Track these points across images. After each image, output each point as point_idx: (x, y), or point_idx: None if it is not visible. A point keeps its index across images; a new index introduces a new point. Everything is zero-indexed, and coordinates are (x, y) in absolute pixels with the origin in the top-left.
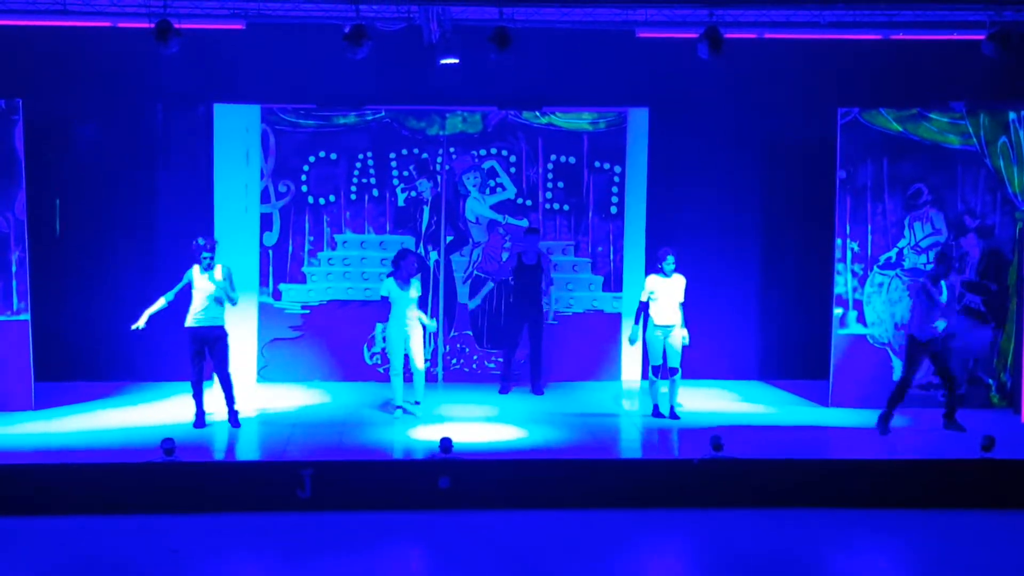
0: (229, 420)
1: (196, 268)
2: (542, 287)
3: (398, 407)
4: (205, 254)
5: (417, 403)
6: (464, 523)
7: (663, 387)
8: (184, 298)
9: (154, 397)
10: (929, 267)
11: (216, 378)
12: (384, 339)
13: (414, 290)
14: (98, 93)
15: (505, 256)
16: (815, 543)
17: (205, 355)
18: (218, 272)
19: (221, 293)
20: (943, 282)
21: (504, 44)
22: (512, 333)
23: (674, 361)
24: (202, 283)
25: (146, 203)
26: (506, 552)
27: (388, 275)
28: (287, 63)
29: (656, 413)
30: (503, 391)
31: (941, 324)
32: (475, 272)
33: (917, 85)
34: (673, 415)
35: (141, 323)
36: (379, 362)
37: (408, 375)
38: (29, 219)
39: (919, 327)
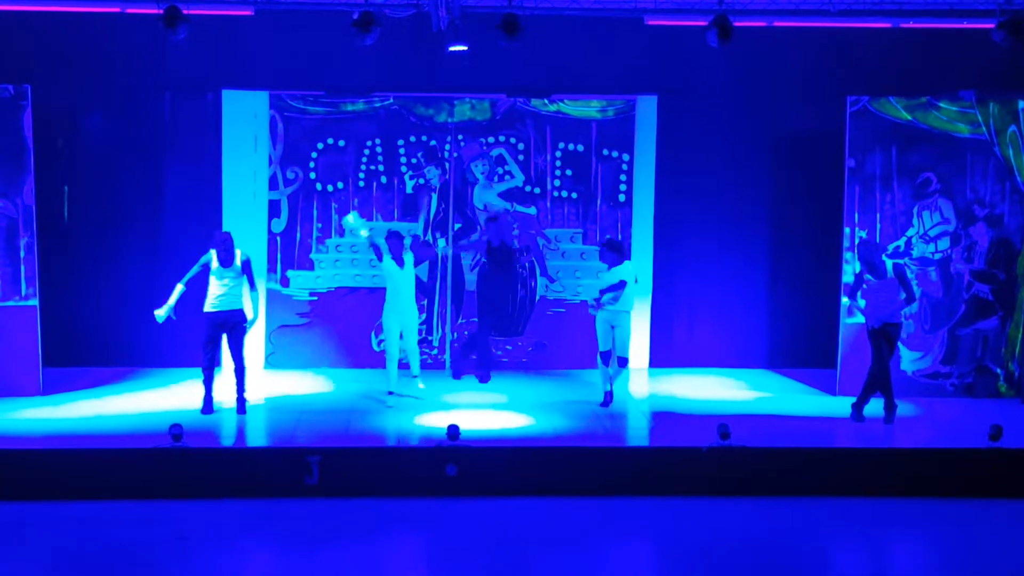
0: (236, 407)
1: (214, 255)
2: (515, 271)
3: (391, 393)
4: (226, 247)
5: (415, 376)
6: (471, 510)
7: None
8: (198, 283)
9: (162, 383)
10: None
11: (228, 363)
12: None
13: (408, 266)
14: (106, 79)
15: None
16: (822, 531)
17: (219, 341)
18: (237, 261)
19: (239, 284)
20: (887, 262)
21: (513, 31)
22: (517, 321)
23: (624, 351)
24: (218, 270)
25: (154, 189)
26: (513, 539)
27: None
28: (296, 50)
29: (606, 402)
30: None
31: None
32: (482, 259)
33: (927, 73)
34: (608, 399)
35: (163, 313)
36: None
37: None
38: (37, 205)
39: (870, 313)
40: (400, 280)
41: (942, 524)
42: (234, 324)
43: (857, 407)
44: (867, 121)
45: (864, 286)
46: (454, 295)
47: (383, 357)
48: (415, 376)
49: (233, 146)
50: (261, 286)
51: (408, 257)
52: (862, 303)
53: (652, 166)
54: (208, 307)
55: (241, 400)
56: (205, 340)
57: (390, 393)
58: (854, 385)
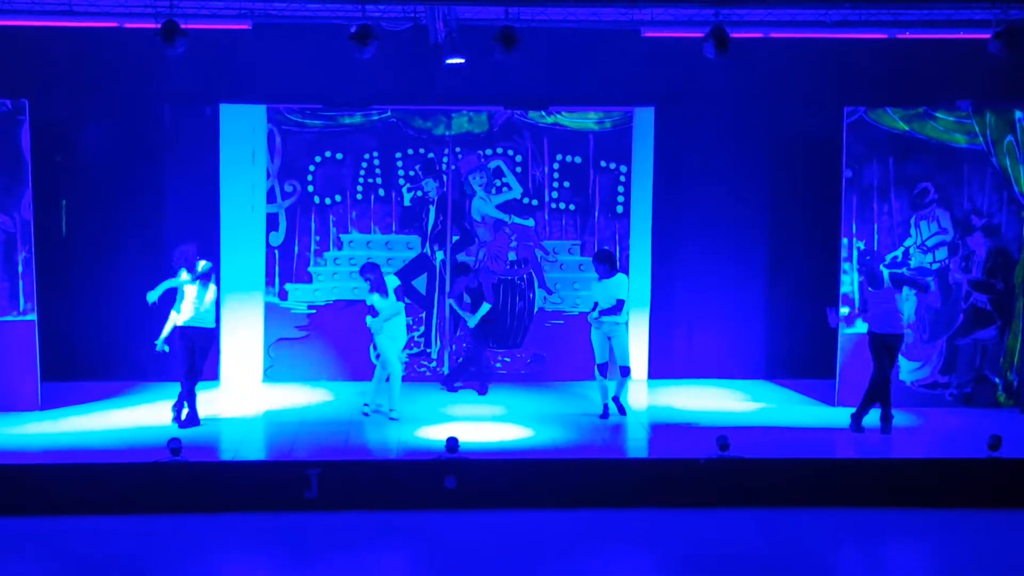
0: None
1: (184, 273)
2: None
3: (392, 409)
4: (187, 259)
5: (376, 406)
6: (470, 523)
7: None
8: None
9: (160, 397)
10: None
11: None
12: (377, 347)
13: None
14: (104, 93)
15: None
16: (821, 542)
17: (194, 354)
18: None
19: (210, 283)
20: (884, 272)
21: (510, 44)
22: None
23: (624, 360)
24: (191, 288)
25: (152, 203)
26: (512, 551)
27: (371, 290)
28: (293, 63)
29: (605, 414)
30: (483, 392)
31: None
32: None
33: (923, 84)
34: (621, 411)
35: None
36: None
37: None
38: (35, 219)
39: (871, 321)
40: (392, 310)
41: (942, 534)
42: (203, 340)
43: (856, 418)
44: (864, 131)
45: (864, 297)
46: (452, 308)
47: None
48: (365, 404)
49: (231, 159)
50: (258, 299)
51: (390, 282)
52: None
53: (650, 177)
54: (179, 320)
55: (186, 407)
56: (181, 354)
57: (391, 413)
58: (853, 396)
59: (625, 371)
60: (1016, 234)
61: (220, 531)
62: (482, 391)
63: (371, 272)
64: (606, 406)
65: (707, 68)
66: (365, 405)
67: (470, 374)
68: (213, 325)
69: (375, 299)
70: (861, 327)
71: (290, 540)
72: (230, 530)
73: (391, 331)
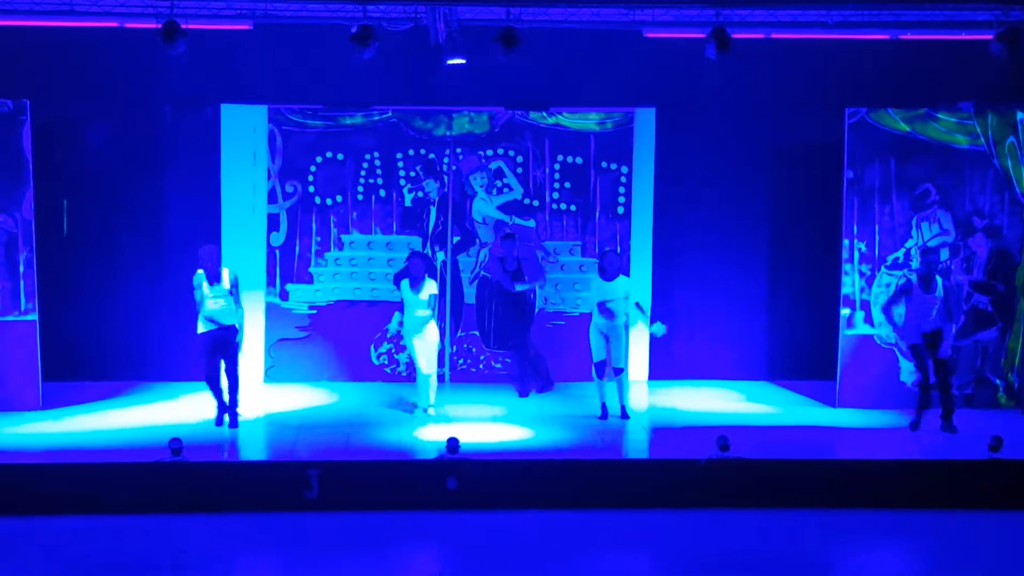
0: (229, 421)
1: (205, 285)
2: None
3: (413, 404)
4: (213, 263)
5: (429, 409)
6: (471, 523)
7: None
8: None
9: (161, 397)
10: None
11: (225, 377)
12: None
13: (424, 292)
14: (105, 93)
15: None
16: (822, 544)
17: (217, 358)
18: (225, 279)
19: (230, 300)
20: (938, 279)
21: (511, 44)
22: (515, 335)
23: (619, 362)
24: (209, 291)
25: (153, 203)
26: (513, 552)
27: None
28: (294, 63)
29: (604, 415)
30: (522, 394)
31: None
32: (482, 272)
33: (925, 85)
34: (624, 415)
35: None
36: (386, 362)
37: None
38: (37, 219)
39: (905, 332)
40: (411, 303)
41: (942, 536)
42: (228, 341)
43: (945, 422)
44: (866, 132)
45: (905, 297)
46: (453, 308)
47: (382, 370)
48: (429, 405)
49: (232, 160)
50: (260, 300)
51: (428, 281)
52: (900, 312)
53: (651, 178)
54: (202, 328)
55: (234, 415)
56: (204, 356)
57: (422, 409)
58: (854, 397)
59: (618, 372)
60: (1018, 235)
61: (221, 531)
62: (523, 393)
63: (413, 260)
64: (603, 406)
65: (709, 69)
66: (424, 410)
67: (533, 380)
68: (234, 322)
69: (403, 286)
70: (862, 328)
71: (290, 540)
72: (231, 530)
73: (406, 324)
